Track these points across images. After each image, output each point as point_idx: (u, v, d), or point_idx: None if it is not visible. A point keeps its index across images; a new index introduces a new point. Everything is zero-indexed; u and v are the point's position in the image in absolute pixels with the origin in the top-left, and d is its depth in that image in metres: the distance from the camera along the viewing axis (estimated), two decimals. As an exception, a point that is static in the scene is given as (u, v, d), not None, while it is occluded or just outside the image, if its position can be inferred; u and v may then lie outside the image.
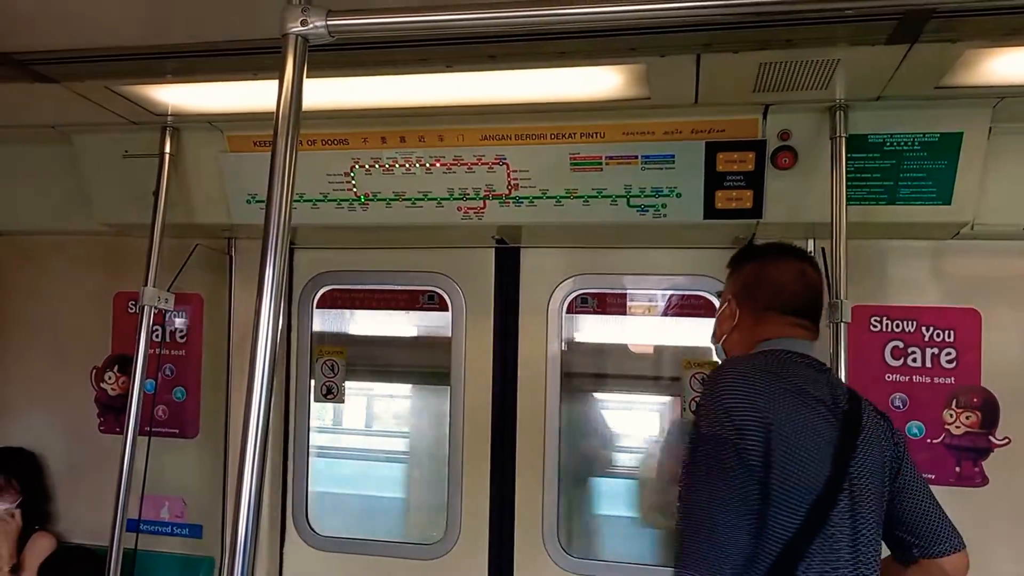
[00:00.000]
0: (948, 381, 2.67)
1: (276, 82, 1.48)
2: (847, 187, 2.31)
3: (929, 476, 2.55)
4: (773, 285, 1.78)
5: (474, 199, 2.63)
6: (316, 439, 3.28)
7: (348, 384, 3.28)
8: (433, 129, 2.55)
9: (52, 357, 3.37)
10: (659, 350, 3.13)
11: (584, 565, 2.99)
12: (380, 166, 2.63)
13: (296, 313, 3.24)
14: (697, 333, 2.99)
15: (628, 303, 3.08)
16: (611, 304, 3.09)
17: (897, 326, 2.71)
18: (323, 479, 3.34)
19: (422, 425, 3.46)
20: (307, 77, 1.50)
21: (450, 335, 3.12)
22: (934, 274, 2.70)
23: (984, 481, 2.63)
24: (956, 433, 2.65)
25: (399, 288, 3.24)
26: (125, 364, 3.21)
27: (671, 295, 3.04)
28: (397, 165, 2.62)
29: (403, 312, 3.30)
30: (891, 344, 2.71)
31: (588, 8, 1.42)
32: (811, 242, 2.68)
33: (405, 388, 3.56)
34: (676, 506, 1.54)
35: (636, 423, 3.30)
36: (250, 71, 2.18)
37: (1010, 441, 2.62)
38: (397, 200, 2.67)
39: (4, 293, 3.42)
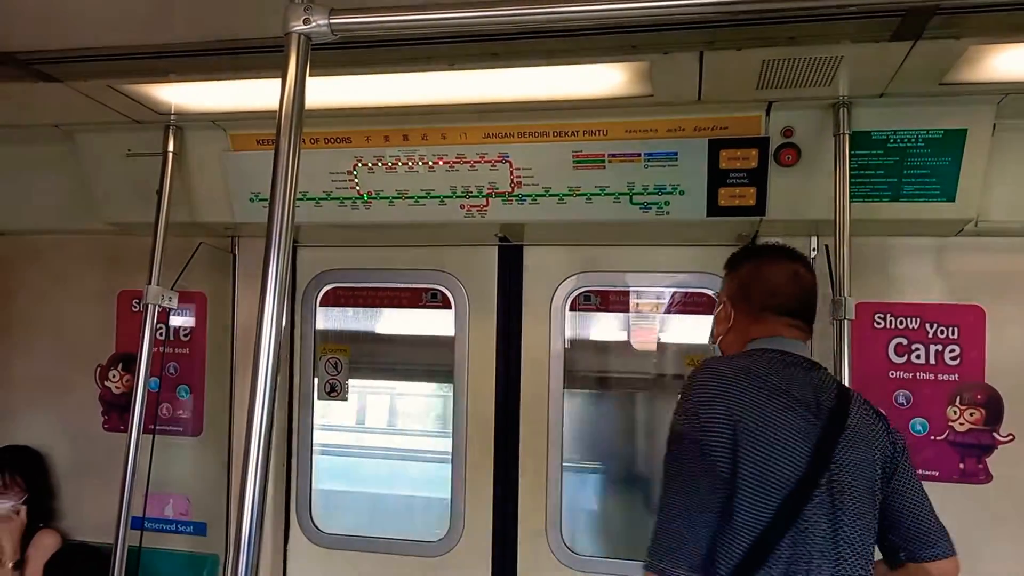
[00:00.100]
0: (952, 378, 2.66)
1: (279, 81, 1.48)
2: (850, 184, 2.31)
3: (933, 473, 2.56)
4: (767, 287, 1.81)
5: (477, 197, 2.63)
6: (319, 436, 3.28)
7: (352, 382, 3.28)
8: (436, 127, 2.55)
9: (56, 356, 3.38)
10: (662, 347, 3.13)
11: (588, 562, 2.99)
12: (383, 164, 2.63)
13: (299, 311, 3.25)
14: (700, 330, 2.97)
15: (631, 300, 3.08)
16: (614, 302, 3.09)
17: (901, 323, 2.70)
18: (327, 476, 3.34)
19: (426, 422, 3.45)
20: (310, 76, 1.49)
21: (453, 333, 3.12)
22: (938, 271, 2.69)
23: (988, 478, 2.62)
24: (960, 430, 2.64)
25: (402, 286, 3.24)
26: (129, 362, 3.20)
27: (674, 292, 3.04)
28: (400, 163, 2.62)
29: (406, 310, 3.30)
30: (895, 341, 2.70)
31: (591, 6, 1.41)
32: (814, 239, 2.68)
33: (408, 386, 3.56)
34: None
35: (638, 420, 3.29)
36: (253, 70, 2.18)
37: (1014, 438, 2.61)
38: (400, 198, 2.68)
39: (9, 292, 3.43)
